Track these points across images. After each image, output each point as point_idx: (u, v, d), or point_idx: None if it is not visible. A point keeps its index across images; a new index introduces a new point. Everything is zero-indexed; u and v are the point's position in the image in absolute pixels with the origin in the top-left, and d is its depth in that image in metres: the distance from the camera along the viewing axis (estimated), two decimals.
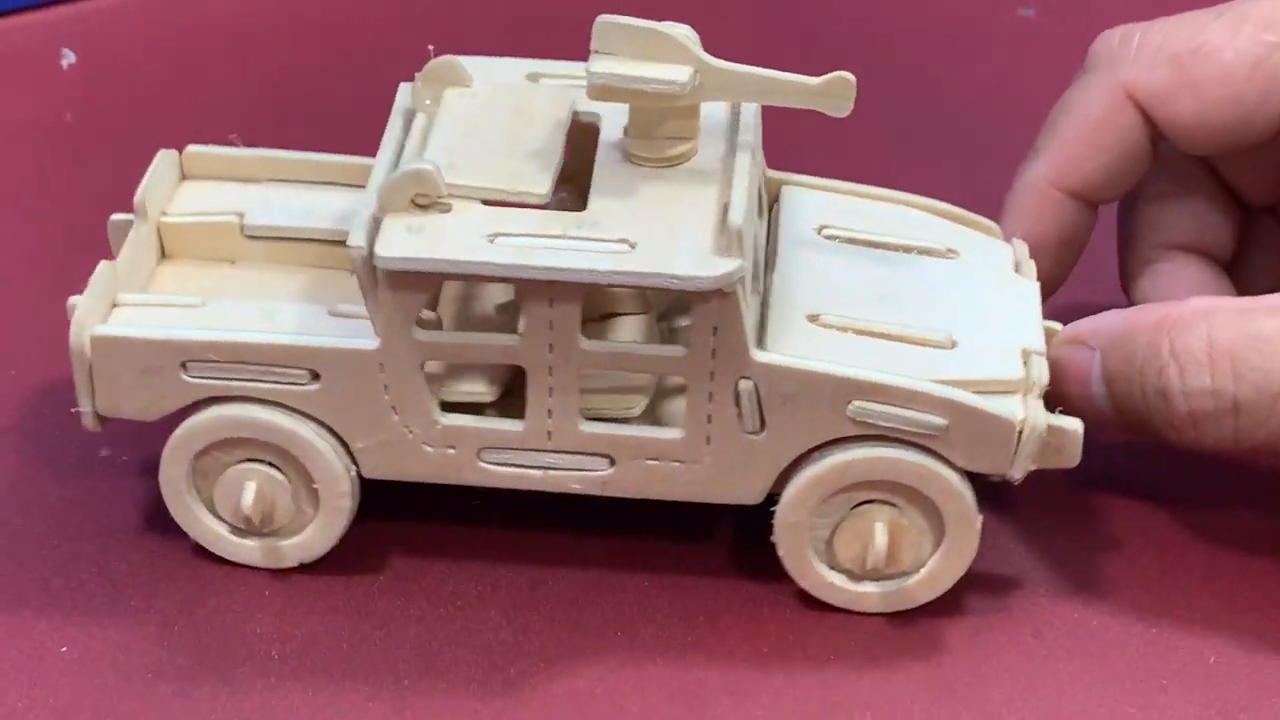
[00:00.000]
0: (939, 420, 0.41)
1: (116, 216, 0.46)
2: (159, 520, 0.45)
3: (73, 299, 0.43)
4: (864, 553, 0.42)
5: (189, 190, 0.47)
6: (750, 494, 0.42)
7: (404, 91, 0.45)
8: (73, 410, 0.43)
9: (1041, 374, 0.42)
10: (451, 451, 0.43)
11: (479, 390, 0.43)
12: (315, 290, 0.45)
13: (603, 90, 0.41)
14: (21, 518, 0.46)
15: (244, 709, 0.41)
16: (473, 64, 0.44)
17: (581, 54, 0.42)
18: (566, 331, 0.41)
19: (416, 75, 0.44)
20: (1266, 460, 0.46)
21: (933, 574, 0.43)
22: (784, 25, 0.64)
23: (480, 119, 0.43)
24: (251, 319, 0.43)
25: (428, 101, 0.44)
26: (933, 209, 0.46)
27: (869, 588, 0.43)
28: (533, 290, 0.40)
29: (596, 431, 0.42)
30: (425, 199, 0.41)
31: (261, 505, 0.43)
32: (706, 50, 0.41)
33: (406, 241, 0.40)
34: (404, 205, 0.41)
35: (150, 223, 0.46)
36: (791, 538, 0.42)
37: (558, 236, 0.40)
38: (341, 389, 0.42)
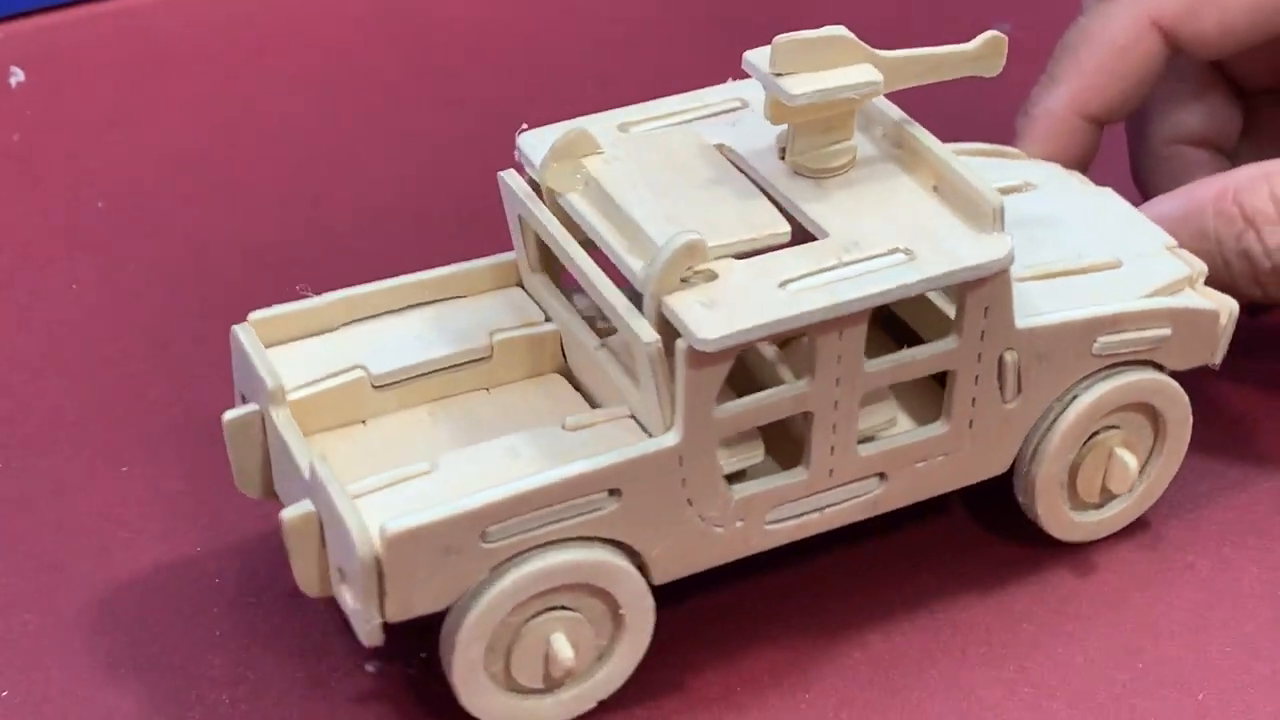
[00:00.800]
0: (1166, 331, 0.43)
1: (232, 414, 0.41)
2: (105, 557, 0.44)
3: (297, 511, 0.38)
4: (1107, 479, 0.43)
5: (279, 361, 0.41)
6: (1002, 464, 0.43)
7: (514, 179, 0.42)
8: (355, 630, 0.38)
9: (1196, 263, 0.44)
10: (740, 524, 0.40)
11: (754, 452, 0.40)
12: (504, 416, 0.42)
13: (801, 110, 0.40)
14: None
15: None
16: (570, 127, 0.42)
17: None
18: (852, 360, 0.39)
19: (536, 157, 0.41)
20: None
21: (1155, 481, 0.44)
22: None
23: (649, 179, 0.41)
24: (500, 462, 0.39)
25: (578, 178, 0.41)
26: (969, 151, 0.47)
27: (1108, 512, 0.44)
28: (824, 327, 0.39)
29: (872, 453, 0.41)
30: (692, 270, 0.39)
31: (577, 651, 0.39)
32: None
33: (717, 317, 0.38)
34: (676, 283, 0.38)
35: (286, 405, 0.40)
36: (1048, 490, 0.43)
37: (836, 266, 0.39)
38: (642, 498, 0.39)
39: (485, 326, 0.43)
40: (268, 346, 0.42)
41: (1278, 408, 0.49)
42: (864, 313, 0.39)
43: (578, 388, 0.43)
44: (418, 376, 0.42)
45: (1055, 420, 0.42)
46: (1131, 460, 0.43)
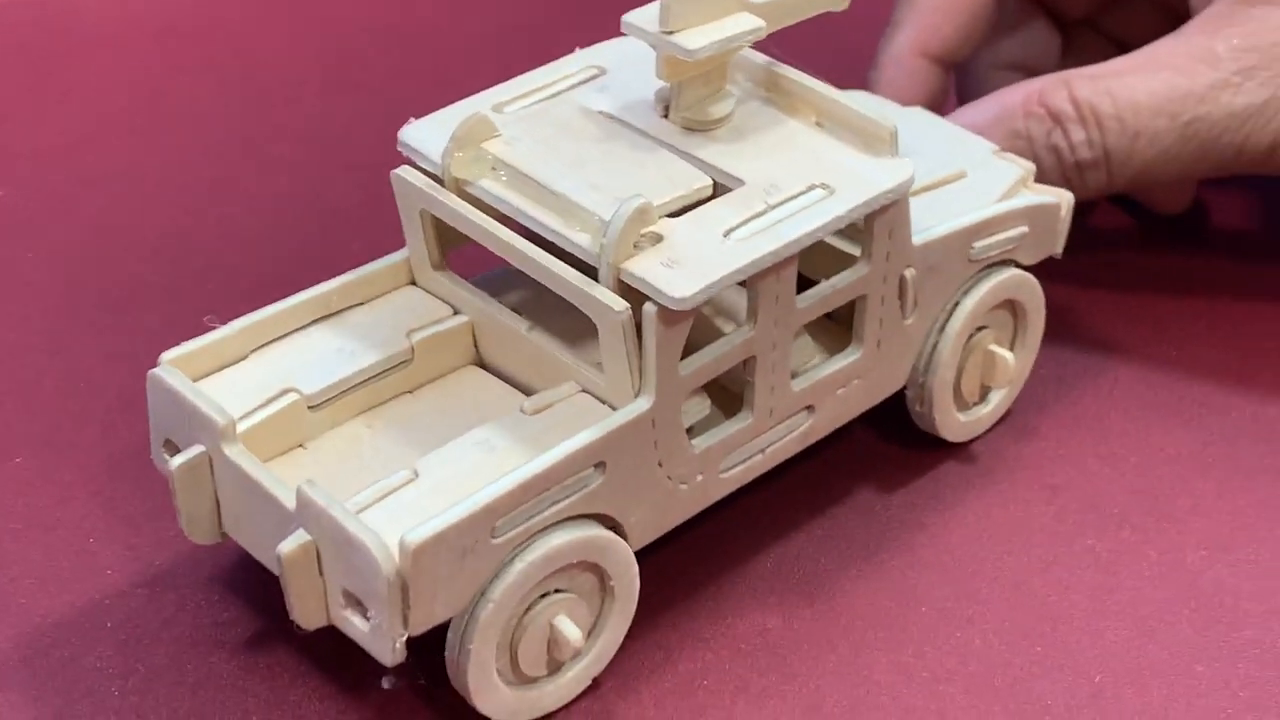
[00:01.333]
0: (1025, 229, 0.45)
1: (181, 460, 0.39)
2: None
3: (294, 543, 0.37)
4: (986, 377, 0.46)
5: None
6: (901, 379, 0.45)
7: (410, 174, 0.41)
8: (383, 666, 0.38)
9: (1024, 163, 0.47)
10: (700, 478, 0.41)
11: (703, 405, 0.41)
12: (441, 415, 0.41)
13: (699, 64, 0.41)
14: None
15: None
16: (450, 115, 0.42)
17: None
18: (787, 300, 0.40)
19: (429, 149, 0.41)
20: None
21: (1020, 372, 0.47)
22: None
23: (557, 153, 0.41)
24: (479, 458, 0.38)
25: (486, 163, 0.41)
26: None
27: (986, 408, 0.46)
28: (772, 270, 0.39)
29: (803, 388, 0.42)
30: (640, 234, 0.39)
31: (582, 629, 0.39)
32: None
33: (683, 275, 0.38)
34: (630, 250, 0.38)
35: (238, 440, 0.39)
36: (943, 396, 0.45)
37: (767, 210, 0.40)
38: (623, 468, 0.39)
39: (399, 329, 0.42)
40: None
41: (1094, 298, 0.51)
42: (798, 253, 0.40)
43: (499, 376, 0.42)
44: (348, 390, 0.41)
45: (944, 328, 0.44)
46: (1008, 355, 0.45)
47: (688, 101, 0.42)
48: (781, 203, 0.40)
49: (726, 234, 0.39)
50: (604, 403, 0.40)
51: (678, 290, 0.38)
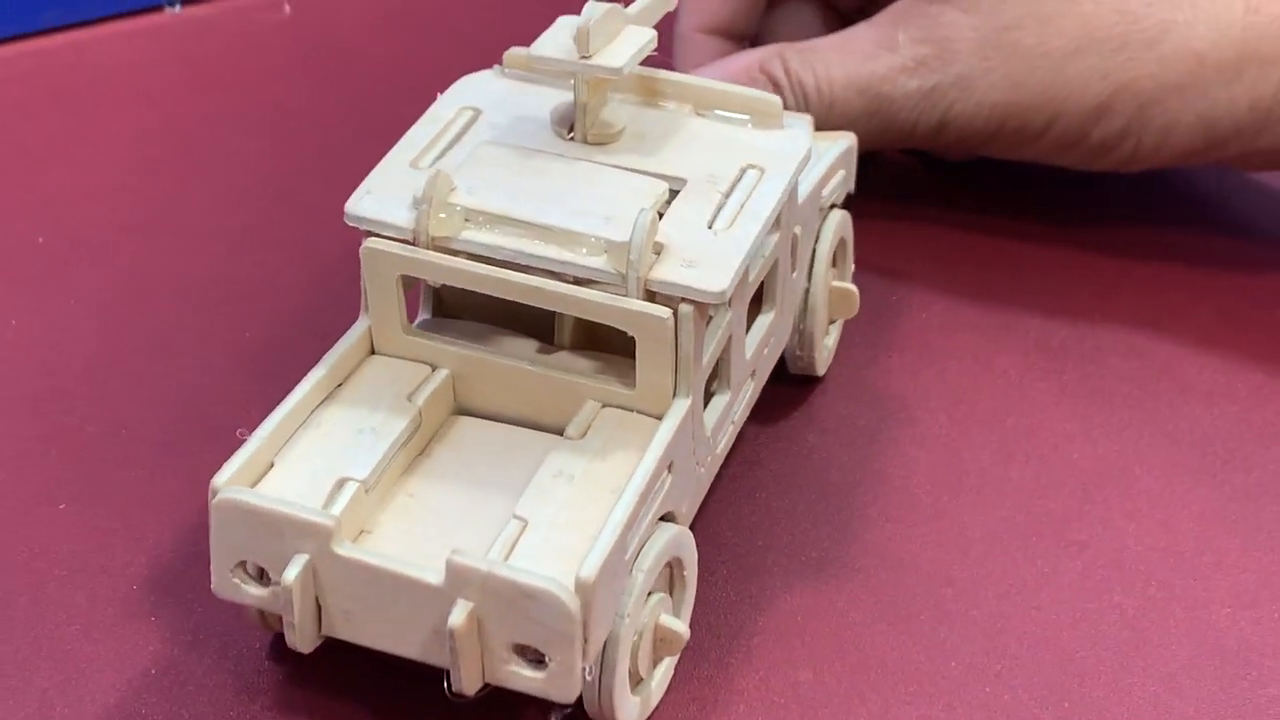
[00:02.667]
0: (844, 172, 0.50)
1: (293, 575, 0.38)
2: (41, 594, 0.44)
3: (461, 614, 0.37)
4: (834, 310, 0.49)
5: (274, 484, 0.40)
6: (789, 331, 0.48)
7: (382, 244, 0.41)
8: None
9: (804, 117, 0.47)
10: (709, 458, 0.43)
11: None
12: (477, 462, 0.41)
13: (624, 80, 0.43)
14: None
15: None
16: (381, 181, 0.42)
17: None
18: (745, 278, 0.43)
19: (391, 215, 0.41)
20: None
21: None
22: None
23: (520, 191, 0.42)
24: (566, 489, 0.39)
25: (459, 216, 0.41)
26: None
27: (835, 334, 0.51)
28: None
29: (750, 355, 0.45)
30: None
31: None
32: None
33: (709, 272, 0.40)
34: (651, 260, 0.40)
35: (345, 536, 0.38)
36: (819, 334, 0.49)
37: (723, 199, 0.42)
38: (680, 464, 0.41)
39: (399, 396, 0.42)
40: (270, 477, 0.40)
41: (1131, 357, 0.53)
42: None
43: (486, 418, 0.43)
44: (388, 466, 0.41)
45: (812, 274, 0.48)
46: (852, 286, 0.49)
47: (592, 119, 0.43)
48: (731, 190, 0.43)
49: (710, 228, 0.41)
50: (630, 411, 0.41)
51: (715, 285, 0.40)
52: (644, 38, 0.43)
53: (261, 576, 0.39)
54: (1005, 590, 0.45)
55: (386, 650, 0.39)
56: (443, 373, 0.42)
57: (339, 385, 0.42)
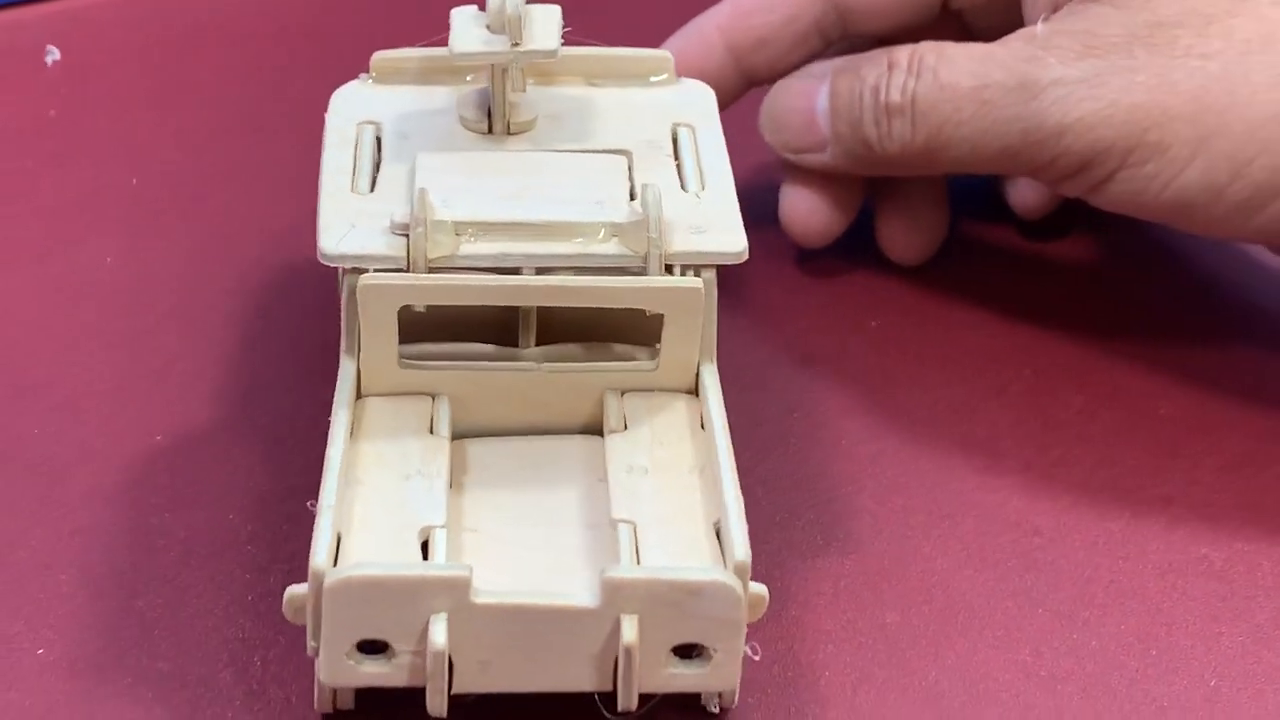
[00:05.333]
0: None
1: (439, 639, 0.36)
2: (140, 521, 0.44)
3: (630, 634, 0.36)
4: None
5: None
6: None
7: (376, 279, 0.39)
8: None
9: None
10: None
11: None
12: (516, 480, 0.40)
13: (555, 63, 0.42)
14: None
15: (226, 715, 0.40)
16: (337, 216, 0.40)
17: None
18: None
19: (370, 246, 0.39)
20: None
21: None
22: None
23: (492, 194, 0.40)
24: (655, 483, 0.39)
25: (451, 233, 0.39)
26: None
27: None
28: None
29: None
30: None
31: None
32: None
33: (719, 234, 0.40)
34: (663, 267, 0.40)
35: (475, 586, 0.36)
36: None
37: (674, 160, 0.43)
38: None
39: (420, 431, 0.40)
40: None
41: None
42: None
43: (487, 434, 0.42)
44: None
45: None
46: None
47: (513, 108, 0.43)
48: (675, 151, 0.43)
49: (685, 191, 0.41)
50: (651, 391, 0.41)
51: (736, 245, 0.40)
52: (555, 14, 0.42)
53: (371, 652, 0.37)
54: (1092, 540, 0.45)
55: (528, 691, 0.37)
56: (443, 399, 0.41)
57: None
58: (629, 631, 0.36)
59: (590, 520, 0.39)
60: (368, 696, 0.39)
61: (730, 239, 0.40)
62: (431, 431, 0.40)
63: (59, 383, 0.48)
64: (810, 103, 0.49)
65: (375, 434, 0.40)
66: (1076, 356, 0.51)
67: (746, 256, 0.40)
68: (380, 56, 0.45)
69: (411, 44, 0.46)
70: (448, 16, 0.43)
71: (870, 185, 0.52)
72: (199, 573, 0.43)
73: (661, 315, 0.40)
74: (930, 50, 0.47)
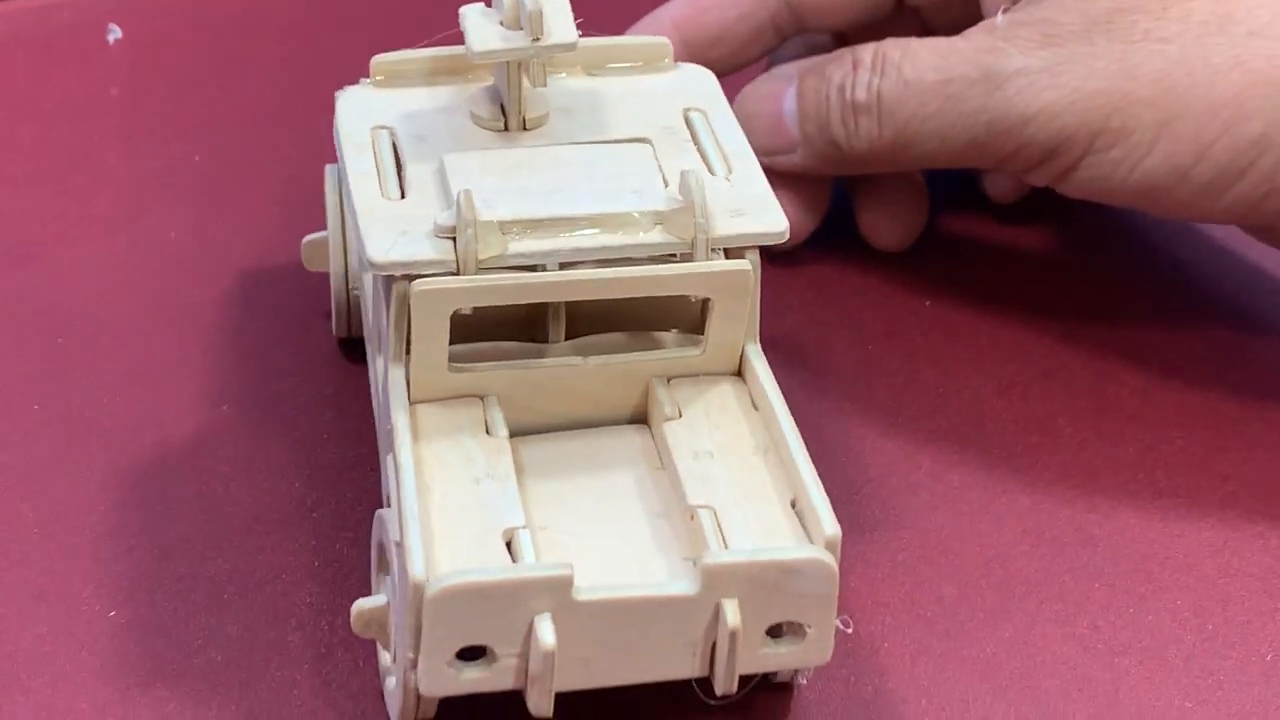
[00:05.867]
0: None
1: (547, 639, 0.36)
2: (208, 488, 0.45)
3: (733, 618, 0.36)
4: None
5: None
6: None
7: (429, 284, 0.39)
8: None
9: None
10: None
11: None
12: (575, 474, 0.40)
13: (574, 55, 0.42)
14: (70, 483, 0.45)
15: (294, 678, 0.41)
16: (379, 222, 0.40)
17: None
18: None
19: (418, 251, 0.39)
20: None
21: None
22: None
23: (532, 190, 0.40)
24: (726, 466, 0.39)
25: (500, 231, 0.39)
26: None
27: None
28: None
29: None
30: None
31: None
32: None
33: (760, 215, 0.41)
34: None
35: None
36: None
37: (694, 146, 0.43)
38: None
39: (476, 433, 0.40)
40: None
41: None
42: None
43: (532, 431, 0.41)
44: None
45: None
46: None
47: (529, 103, 0.43)
48: (694, 136, 0.43)
49: (714, 174, 0.41)
50: (696, 376, 0.41)
51: (779, 225, 0.40)
52: (564, 6, 0.41)
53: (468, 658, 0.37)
54: (1148, 517, 0.46)
55: (628, 683, 0.37)
56: (492, 400, 0.41)
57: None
58: (732, 615, 0.36)
59: (656, 509, 0.39)
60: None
61: (771, 219, 0.40)
62: (488, 433, 0.40)
63: (127, 353, 0.49)
64: (777, 105, 0.49)
65: (433, 439, 0.39)
66: (1134, 339, 0.51)
67: (788, 236, 0.41)
68: (381, 59, 0.45)
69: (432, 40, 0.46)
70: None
71: (846, 179, 0.53)
72: (266, 540, 0.44)
73: (703, 300, 0.41)
74: (894, 46, 0.47)
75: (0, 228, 0.54)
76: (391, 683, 0.39)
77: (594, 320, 0.42)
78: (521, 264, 0.39)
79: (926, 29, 0.51)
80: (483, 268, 0.39)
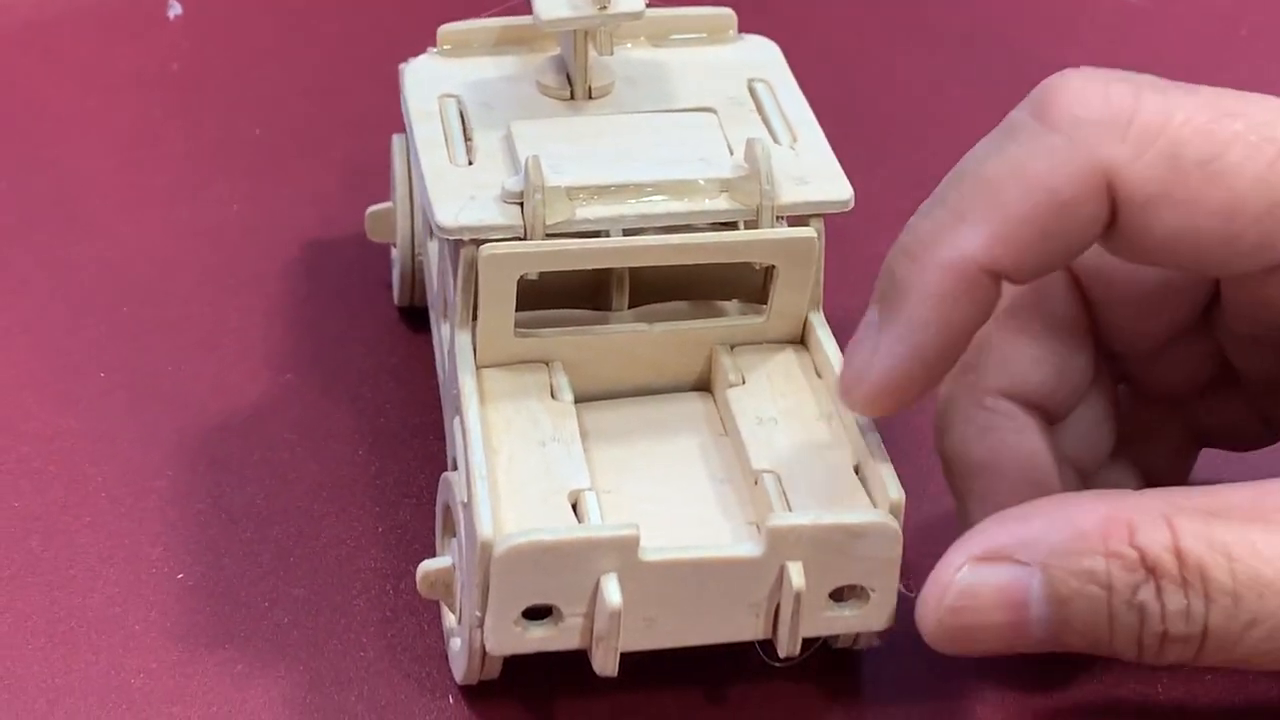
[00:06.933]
0: None
1: (614, 596, 0.36)
2: (273, 455, 0.46)
3: (798, 578, 0.36)
4: None
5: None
6: None
7: (497, 247, 0.39)
8: None
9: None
10: None
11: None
12: (633, 439, 0.40)
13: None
14: (138, 448, 0.46)
15: (360, 640, 0.41)
16: (448, 189, 0.40)
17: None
18: None
19: (494, 211, 0.39)
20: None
21: None
22: (885, 8, 0.64)
23: (600, 157, 0.40)
24: (786, 431, 0.40)
25: (568, 197, 0.39)
26: None
27: None
28: None
29: None
30: None
31: None
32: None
33: (823, 183, 0.41)
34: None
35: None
36: None
37: (758, 115, 0.43)
38: None
39: (541, 399, 0.40)
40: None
41: None
42: None
43: (594, 399, 0.42)
44: None
45: None
46: None
47: (595, 72, 0.43)
48: (758, 107, 0.43)
49: (778, 144, 0.42)
50: (759, 344, 0.42)
51: (843, 194, 0.41)
52: None
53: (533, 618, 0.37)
54: None
55: (690, 644, 0.38)
56: (557, 365, 0.41)
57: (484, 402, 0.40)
58: (797, 577, 0.36)
59: (719, 474, 0.40)
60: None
61: (835, 188, 0.41)
62: (554, 397, 0.40)
63: (192, 321, 0.50)
64: (1020, 613, 0.36)
65: (499, 403, 0.40)
66: None
67: (853, 205, 0.41)
68: (448, 29, 0.45)
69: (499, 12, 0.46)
70: None
71: None
72: (330, 505, 0.44)
73: (766, 268, 0.41)
74: (1209, 546, 0.35)
75: (65, 200, 0.54)
76: (456, 644, 0.40)
77: (656, 289, 0.42)
78: (588, 230, 0.40)
79: (1220, 363, 0.41)
80: (549, 233, 0.39)
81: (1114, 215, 0.37)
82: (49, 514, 0.44)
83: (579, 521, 0.37)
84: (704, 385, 0.42)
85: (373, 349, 0.49)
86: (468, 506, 0.37)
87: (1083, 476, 0.42)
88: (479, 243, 0.39)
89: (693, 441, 0.41)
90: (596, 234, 0.40)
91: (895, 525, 0.37)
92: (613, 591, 0.36)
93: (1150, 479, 0.43)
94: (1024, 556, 0.36)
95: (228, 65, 0.60)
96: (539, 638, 0.37)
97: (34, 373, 0.48)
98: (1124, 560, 0.35)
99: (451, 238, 0.39)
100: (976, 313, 0.37)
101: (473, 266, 0.39)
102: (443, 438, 0.45)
